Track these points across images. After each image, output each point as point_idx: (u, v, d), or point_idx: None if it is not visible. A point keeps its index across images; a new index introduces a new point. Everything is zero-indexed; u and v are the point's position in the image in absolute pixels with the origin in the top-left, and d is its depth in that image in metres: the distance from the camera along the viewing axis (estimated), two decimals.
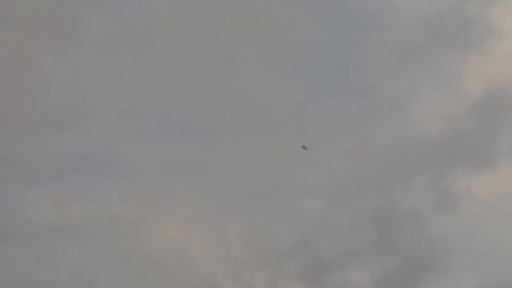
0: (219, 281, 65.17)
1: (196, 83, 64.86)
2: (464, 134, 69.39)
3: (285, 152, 67.95)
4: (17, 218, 64.07)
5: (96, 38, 67.40)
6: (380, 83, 71.02)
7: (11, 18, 66.38)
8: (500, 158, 69.44)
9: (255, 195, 67.37)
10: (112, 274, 63.67)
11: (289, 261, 66.62)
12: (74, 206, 65.58)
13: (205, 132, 67.52)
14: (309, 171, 67.91)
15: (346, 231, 66.98)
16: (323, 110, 69.89)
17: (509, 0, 72.40)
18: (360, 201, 68.35)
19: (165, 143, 67.18)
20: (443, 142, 69.30)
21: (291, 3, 70.46)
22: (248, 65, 67.42)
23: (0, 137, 64.45)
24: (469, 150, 69.36)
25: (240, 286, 65.84)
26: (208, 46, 67.72)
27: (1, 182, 64.44)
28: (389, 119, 69.98)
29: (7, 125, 64.52)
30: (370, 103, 70.24)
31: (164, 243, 65.52)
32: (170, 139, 66.84)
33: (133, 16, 67.25)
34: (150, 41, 66.91)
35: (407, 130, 70.20)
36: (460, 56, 71.58)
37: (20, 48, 65.85)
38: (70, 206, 65.78)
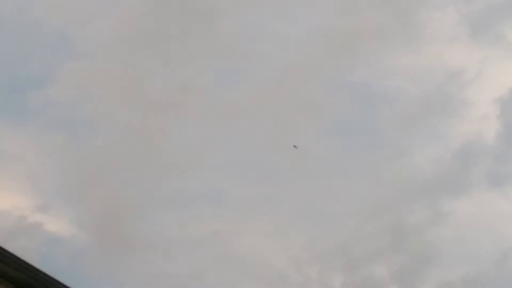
0: (287, 273, 74.85)
1: (271, 142, 76.48)
2: (449, 172, 78.71)
3: (328, 189, 79.82)
4: (156, 233, 74.33)
5: (204, 111, 78.42)
6: (390, 140, 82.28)
7: (143, 102, 78.22)
8: (473, 187, 78.73)
9: (310, 215, 78.35)
10: (216, 270, 73.46)
11: (333, 259, 75.83)
12: (192, 225, 76.75)
13: (278, 176, 79.50)
14: (345, 199, 79.00)
15: (371, 238, 75.89)
16: (352, 160, 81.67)
17: (476, 82, 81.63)
18: (379, 218, 77.21)
19: (253, 182, 79.83)
20: (434, 178, 78.78)
21: (330, 88, 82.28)
22: (303, 130, 78.91)
23: (145, 178, 75.61)
24: (452, 183, 78.87)
25: (300, 277, 74.70)
26: (277, 118, 79.30)
27: (145, 209, 74.73)
28: (397, 164, 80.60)
29: (150, 171, 76.06)
30: (384, 153, 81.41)
31: (251, 248, 76.93)
32: (256, 180, 79.64)
33: (227, 99, 78.44)
34: (243, 114, 77.67)
35: (410, 170, 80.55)
36: (443, 121, 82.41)
37: (153, 120, 77.57)
38: (190, 225, 76.86)
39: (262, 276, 75.01)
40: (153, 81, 78.64)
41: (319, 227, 78.19)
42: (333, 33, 79.71)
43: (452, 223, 77.64)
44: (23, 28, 79.70)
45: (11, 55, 78.45)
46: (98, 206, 74.05)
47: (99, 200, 74.15)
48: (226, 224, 77.07)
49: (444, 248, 75.90)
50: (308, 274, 74.85)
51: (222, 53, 78.83)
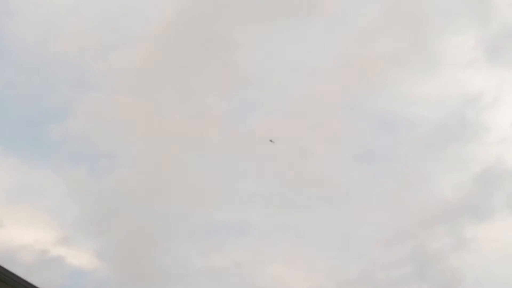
0: None
1: (292, 171, 75.36)
2: (470, 197, 77.50)
3: (350, 216, 77.98)
4: (178, 264, 73.83)
5: (221, 145, 77.81)
6: (411, 166, 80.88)
7: (162, 133, 76.90)
8: (495, 212, 77.44)
9: (332, 243, 77.20)
10: None
11: (357, 287, 72.66)
12: (215, 255, 74.94)
13: (300, 205, 77.68)
14: (367, 226, 76.87)
15: (393, 265, 74.46)
16: (374, 186, 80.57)
17: (493, 106, 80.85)
18: (402, 244, 75.78)
19: (275, 212, 77.43)
20: (455, 203, 77.25)
21: (350, 116, 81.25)
22: (324, 158, 77.81)
23: (166, 210, 74.22)
24: (474, 208, 77.57)
25: None
26: (297, 146, 77.83)
27: (167, 240, 73.66)
28: (419, 189, 79.40)
29: (170, 202, 74.55)
30: (405, 179, 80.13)
31: (274, 278, 74.79)
32: (278, 209, 77.43)
33: (245, 128, 77.95)
34: (261, 143, 74.16)
35: (431, 196, 79.15)
36: (463, 145, 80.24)
37: (172, 151, 76.28)
38: (213, 255, 75.12)
39: None
40: (171, 112, 78.60)
41: (342, 255, 77.34)
42: (350, 61, 79.37)
43: (475, 249, 76.67)
44: (43, 62, 79.49)
45: (32, 88, 78.66)
46: (119, 238, 73.79)
47: (120, 232, 73.96)
48: (249, 254, 76.29)
49: (469, 273, 74.58)
50: None
51: (238, 83, 78.30)
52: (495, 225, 78.32)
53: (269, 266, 76.42)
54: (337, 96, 79.21)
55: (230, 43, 76.49)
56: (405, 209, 77.79)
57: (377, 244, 76.59)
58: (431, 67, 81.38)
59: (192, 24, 77.25)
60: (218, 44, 76.80)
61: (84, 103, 78.18)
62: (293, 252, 76.75)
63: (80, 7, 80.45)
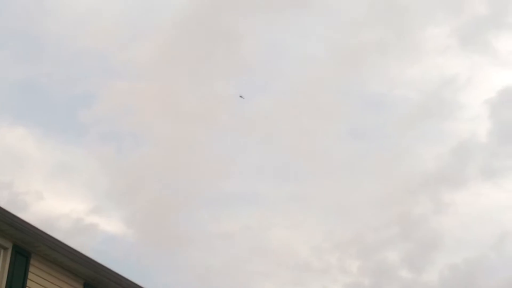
0: (310, 260, 79.42)
1: (294, 146, 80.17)
2: (447, 167, 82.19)
3: (344, 186, 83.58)
4: (195, 230, 78.89)
5: (229, 125, 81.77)
6: (397, 141, 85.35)
7: (179, 114, 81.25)
8: (470, 180, 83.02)
9: (329, 209, 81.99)
10: (249, 259, 79.35)
11: (350, 247, 79.92)
12: (228, 222, 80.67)
13: (302, 176, 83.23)
14: (358, 194, 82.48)
15: (382, 227, 79.47)
16: (364, 159, 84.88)
17: (467, 86, 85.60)
18: (389, 209, 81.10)
19: (280, 183, 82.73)
20: (435, 173, 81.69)
21: (343, 98, 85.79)
22: (322, 135, 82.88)
23: (185, 182, 79.67)
24: (451, 177, 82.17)
25: (322, 263, 79.77)
26: (298, 125, 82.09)
27: (186, 209, 79.02)
28: (403, 162, 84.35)
29: (189, 175, 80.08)
30: (392, 153, 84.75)
31: (279, 240, 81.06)
32: (283, 180, 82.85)
33: (251, 109, 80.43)
34: (266, 122, 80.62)
35: (413, 167, 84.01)
36: (441, 122, 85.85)
37: (188, 130, 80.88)
38: (225, 222, 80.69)
39: (289, 263, 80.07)
40: (185, 96, 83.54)
41: (337, 220, 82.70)
42: (342, 49, 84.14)
43: (453, 212, 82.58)
44: (73, 55, 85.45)
45: (65, 78, 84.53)
46: (144, 207, 79.46)
47: (144, 202, 79.63)
48: (257, 220, 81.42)
49: (448, 234, 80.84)
50: (328, 260, 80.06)
51: (242, 69, 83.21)
52: (470, 191, 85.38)
53: (275, 231, 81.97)
54: (331, 80, 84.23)
55: (235, 34, 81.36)
56: (391, 179, 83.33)
57: (367, 210, 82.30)
58: (412, 54, 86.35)
59: (200, 17, 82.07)
60: (224, 35, 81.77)
61: (109, 90, 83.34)
62: (296, 218, 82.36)
63: (102, 7, 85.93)
